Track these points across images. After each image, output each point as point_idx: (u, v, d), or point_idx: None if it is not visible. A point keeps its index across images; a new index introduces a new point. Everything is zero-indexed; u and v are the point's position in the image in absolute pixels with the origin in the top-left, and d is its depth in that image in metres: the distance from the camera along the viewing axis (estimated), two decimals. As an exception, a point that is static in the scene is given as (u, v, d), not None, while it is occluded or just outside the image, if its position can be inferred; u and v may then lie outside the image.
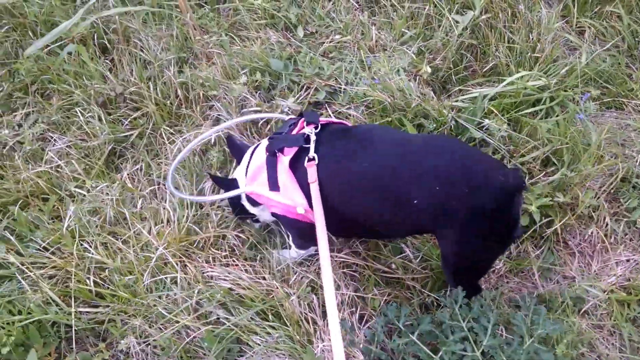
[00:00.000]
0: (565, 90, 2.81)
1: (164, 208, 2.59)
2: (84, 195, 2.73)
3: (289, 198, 2.08)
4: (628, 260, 2.47)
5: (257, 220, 2.50)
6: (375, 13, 3.45)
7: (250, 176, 2.22)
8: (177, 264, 2.39)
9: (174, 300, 2.32)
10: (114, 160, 2.97)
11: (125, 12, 3.16)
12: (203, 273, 2.36)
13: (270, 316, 2.23)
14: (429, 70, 2.99)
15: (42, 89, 3.26)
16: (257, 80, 3.03)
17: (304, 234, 2.19)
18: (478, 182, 1.88)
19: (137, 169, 2.89)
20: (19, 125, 3.16)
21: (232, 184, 2.32)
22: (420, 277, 2.41)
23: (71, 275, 2.39)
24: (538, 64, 2.97)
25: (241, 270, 2.36)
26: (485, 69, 3.05)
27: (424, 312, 2.32)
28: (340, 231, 2.28)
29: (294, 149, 2.07)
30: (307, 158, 2.02)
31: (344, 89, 2.98)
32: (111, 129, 2.99)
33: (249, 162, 2.26)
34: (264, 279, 2.34)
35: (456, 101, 2.88)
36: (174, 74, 3.10)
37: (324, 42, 3.27)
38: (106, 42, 3.33)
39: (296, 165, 2.06)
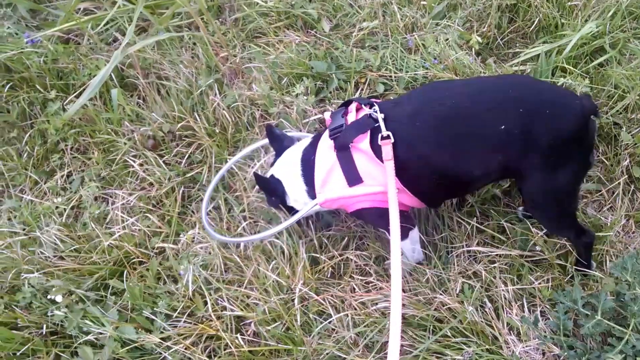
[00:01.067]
0: (623, 32, 2.88)
1: (272, 244, 2.44)
2: (175, 250, 2.53)
3: (378, 183, 2.02)
4: None
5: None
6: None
7: (320, 183, 2.12)
8: (325, 300, 2.27)
9: (339, 338, 2.20)
10: (184, 204, 2.76)
11: (150, 43, 2.89)
12: (355, 300, 2.26)
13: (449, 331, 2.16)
14: (479, 39, 2.97)
15: (76, 144, 2.97)
16: (307, 87, 2.90)
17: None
18: (558, 106, 1.91)
19: (214, 206, 2.70)
20: (63, 189, 2.87)
21: (278, 186, 2.25)
22: (562, 253, 2.41)
23: (214, 338, 2.23)
24: (576, 13, 3.02)
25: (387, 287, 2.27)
26: (532, 28, 3.06)
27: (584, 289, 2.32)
28: (434, 192, 2.16)
29: (367, 134, 2.00)
30: (380, 136, 1.96)
31: (397, 76, 2.91)
32: (175, 171, 2.77)
33: (305, 166, 2.18)
34: (416, 292, 2.27)
35: (516, 64, 2.89)
36: (220, 98, 2.90)
37: (352, 33, 3.17)
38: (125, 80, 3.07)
39: (374, 149, 1.99)
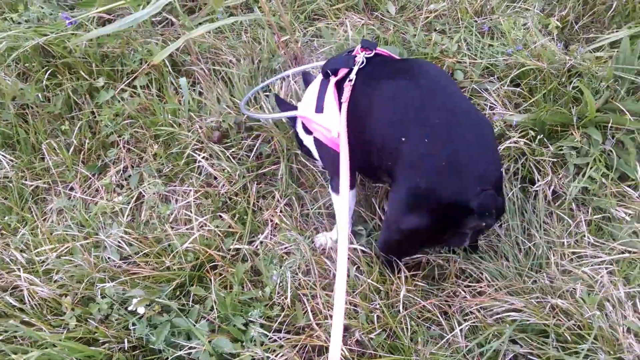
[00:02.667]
0: None
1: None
2: (250, 251, 2.36)
3: (329, 119, 2.05)
4: None
5: (315, 158, 2.38)
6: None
7: (303, 101, 2.22)
8: (432, 305, 2.14)
9: (452, 347, 2.07)
10: (257, 202, 2.57)
11: (216, 27, 2.66)
12: (465, 306, 2.13)
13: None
14: (558, 24, 2.82)
15: (132, 138, 2.74)
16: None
17: (335, 166, 2.02)
18: (459, 174, 1.77)
19: (285, 203, 2.53)
20: (119, 186, 2.65)
21: (291, 108, 2.31)
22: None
23: (317, 350, 2.07)
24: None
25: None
26: (609, 12, 2.92)
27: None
28: (361, 161, 2.09)
29: (345, 70, 2.07)
30: (347, 79, 2.03)
31: (474, 62, 2.75)
32: (245, 166, 2.58)
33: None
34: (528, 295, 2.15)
35: (600, 49, 2.75)
36: (289, 84, 2.70)
37: (419, 15, 2.99)
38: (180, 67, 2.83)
39: (338, 87, 2.07)
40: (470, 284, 2.23)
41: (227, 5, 3.01)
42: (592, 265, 2.23)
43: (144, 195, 2.56)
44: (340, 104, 2.05)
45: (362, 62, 2.08)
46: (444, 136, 1.80)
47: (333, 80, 2.09)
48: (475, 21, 2.92)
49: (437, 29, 2.94)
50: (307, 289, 2.21)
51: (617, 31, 2.79)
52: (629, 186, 2.45)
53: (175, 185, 2.59)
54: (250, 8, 3.12)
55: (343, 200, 1.89)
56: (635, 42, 2.68)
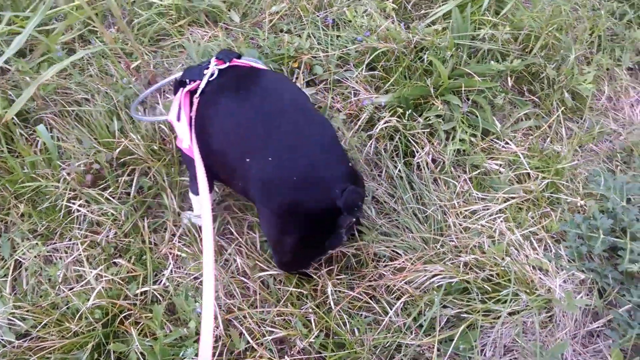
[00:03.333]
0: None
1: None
2: (159, 291, 2.20)
3: (183, 129, 2.06)
4: None
5: None
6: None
7: (172, 106, 2.16)
8: (360, 294, 2.16)
9: (390, 327, 2.12)
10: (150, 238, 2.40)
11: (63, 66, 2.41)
12: (390, 285, 2.18)
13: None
14: (394, 5, 2.99)
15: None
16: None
17: (192, 171, 2.14)
18: (314, 183, 1.79)
19: (180, 234, 2.40)
20: (-14, 263, 2.31)
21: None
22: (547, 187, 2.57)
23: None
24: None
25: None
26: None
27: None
28: (216, 174, 2.10)
29: (197, 82, 2.06)
30: (198, 92, 2.03)
31: (326, 55, 2.83)
32: (127, 204, 2.39)
33: None
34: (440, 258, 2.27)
35: (434, 23, 2.97)
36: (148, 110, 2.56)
37: (262, 20, 3.00)
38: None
39: (189, 98, 2.08)
40: (388, 263, 2.28)
41: (62, 41, 2.76)
42: (486, 218, 2.41)
43: (22, 262, 2.26)
44: (189, 116, 2.03)
45: (212, 75, 2.04)
46: (289, 150, 1.81)
47: (184, 91, 2.07)
48: (318, 16, 2.99)
49: (284, 29, 2.96)
50: (235, 311, 2.11)
51: (445, 4, 3.02)
52: (492, 140, 2.68)
53: (56, 243, 2.32)
54: (86, 40, 2.89)
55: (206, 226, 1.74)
56: (463, 10, 2.94)
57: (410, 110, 2.64)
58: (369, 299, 2.18)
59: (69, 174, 2.39)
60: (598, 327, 2.17)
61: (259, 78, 2.07)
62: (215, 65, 2.07)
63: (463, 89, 2.73)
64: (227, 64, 2.08)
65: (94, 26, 2.85)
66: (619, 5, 3.09)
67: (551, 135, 2.76)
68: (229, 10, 3.00)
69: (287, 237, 1.91)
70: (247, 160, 1.83)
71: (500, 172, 2.57)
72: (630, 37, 2.97)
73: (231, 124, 1.91)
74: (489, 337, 2.15)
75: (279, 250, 2.03)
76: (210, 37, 2.90)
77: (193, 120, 2.00)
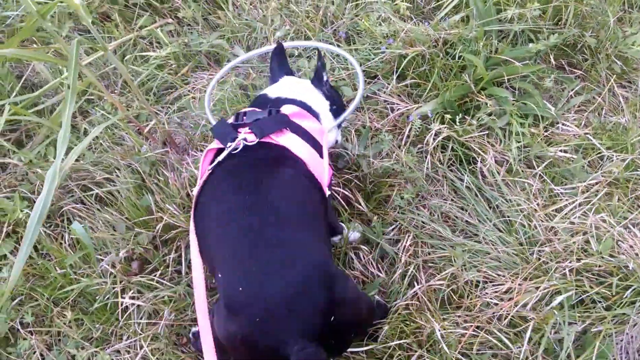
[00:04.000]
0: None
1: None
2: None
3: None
4: None
5: None
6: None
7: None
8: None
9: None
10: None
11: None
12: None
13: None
14: (407, 4, 2.76)
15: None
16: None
17: None
18: (278, 326, 1.51)
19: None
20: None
21: None
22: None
23: None
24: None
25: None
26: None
27: None
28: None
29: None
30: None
31: (349, 72, 2.60)
32: (186, 283, 2.11)
33: None
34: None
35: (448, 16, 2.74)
36: (176, 173, 2.28)
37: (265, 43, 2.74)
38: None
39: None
40: (487, 287, 2.05)
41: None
42: (576, 214, 2.19)
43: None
44: (202, 178, 1.81)
45: (237, 148, 1.78)
46: (261, 281, 1.53)
47: (207, 148, 1.86)
48: (327, 32, 2.75)
49: (295, 53, 2.72)
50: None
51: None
52: (548, 126, 2.47)
53: (116, 344, 2.04)
54: (84, 111, 2.61)
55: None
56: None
57: (460, 115, 2.42)
58: (484, 334, 1.95)
59: (112, 266, 2.10)
60: None
61: (271, 176, 1.77)
62: (244, 137, 1.79)
63: (506, 78, 2.52)
64: (257, 140, 1.80)
65: (90, 95, 2.57)
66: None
67: (606, 107, 2.56)
68: (232, 47, 2.74)
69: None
70: (219, 275, 1.60)
71: (571, 160, 2.36)
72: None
73: (216, 226, 1.70)
74: (618, 345, 1.94)
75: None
76: (224, 79, 2.63)
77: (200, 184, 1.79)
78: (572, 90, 2.57)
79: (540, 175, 2.34)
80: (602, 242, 2.06)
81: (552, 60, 2.60)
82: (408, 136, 2.45)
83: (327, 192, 1.88)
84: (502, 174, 2.33)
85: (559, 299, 1.94)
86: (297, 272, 1.54)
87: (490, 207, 2.28)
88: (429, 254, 2.22)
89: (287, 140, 1.84)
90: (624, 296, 1.94)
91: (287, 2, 2.84)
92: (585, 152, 2.40)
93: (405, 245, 2.24)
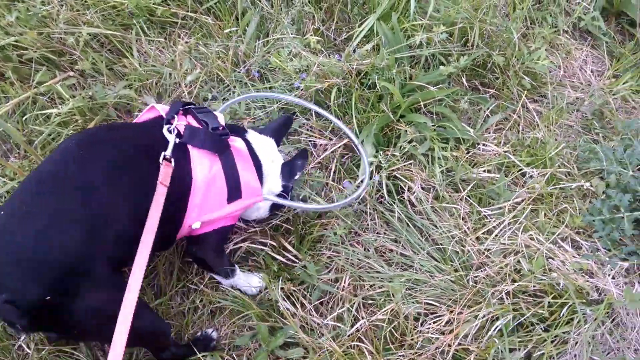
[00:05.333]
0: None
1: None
2: None
3: None
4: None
5: None
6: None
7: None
8: None
9: None
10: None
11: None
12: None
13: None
14: (316, 38, 2.72)
15: None
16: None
17: None
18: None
19: None
20: None
21: None
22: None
23: None
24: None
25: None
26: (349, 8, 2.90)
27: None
28: None
29: None
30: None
31: (266, 111, 2.53)
32: None
33: None
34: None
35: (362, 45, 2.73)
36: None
37: (182, 93, 2.63)
38: None
39: None
40: (428, 321, 2.02)
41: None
42: (505, 235, 2.20)
43: None
44: None
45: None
46: (15, 226, 1.49)
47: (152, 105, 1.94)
48: (239, 72, 2.67)
49: (208, 97, 2.61)
50: None
51: (365, 19, 2.78)
52: (469, 148, 2.49)
53: None
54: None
55: None
56: (387, 21, 2.72)
57: (384, 145, 2.40)
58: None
59: None
60: (665, 312, 2.02)
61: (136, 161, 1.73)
62: (175, 127, 1.81)
63: (422, 104, 2.52)
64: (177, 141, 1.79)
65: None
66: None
67: (522, 123, 2.61)
68: (141, 96, 2.61)
69: None
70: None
71: (495, 180, 2.37)
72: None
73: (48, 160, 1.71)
74: (563, 364, 1.94)
75: None
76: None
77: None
78: (487, 109, 2.60)
79: (467, 198, 2.34)
80: (533, 261, 2.07)
81: (465, 81, 2.63)
82: (334, 172, 2.40)
83: (195, 225, 1.83)
84: (430, 201, 2.32)
85: (497, 325, 1.93)
86: (46, 242, 1.46)
87: (423, 236, 2.26)
88: (369, 289, 2.17)
89: (198, 159, 1.79)
90: (561, 314, 1.95)
91: (196, 44, 2.74)
92: (507, 170, 2.42)
93: (343, 285, 2.18)
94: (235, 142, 1.91)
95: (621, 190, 2.21)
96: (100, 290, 1.55)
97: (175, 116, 1.83)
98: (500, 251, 2.17)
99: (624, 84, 2.69)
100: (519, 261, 2.10)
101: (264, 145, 2.11)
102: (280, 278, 2.14)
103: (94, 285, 1.52)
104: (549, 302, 1.97)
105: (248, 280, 2.16)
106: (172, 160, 1.72)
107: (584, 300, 1.98)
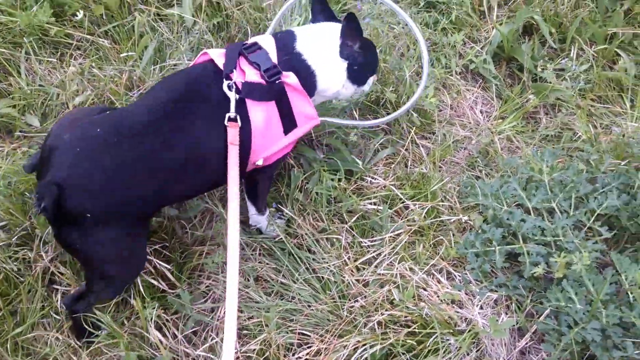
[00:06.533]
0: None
1: None
2: None
3: None
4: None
5: None
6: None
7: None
8: None
9: None
10: None
11: None
12: None
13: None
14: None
15: None
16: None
17: None
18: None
19: None
20: None
21: None
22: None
23: None
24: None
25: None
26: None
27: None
28: None
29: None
30: None
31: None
32: None
33: None
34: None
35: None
36: None
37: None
38: None
39: None
40: (300, 352, 2.00)
41: None
42: (383, 265, 2.23)
43: None
44: None
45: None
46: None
47: (206, 50, 2.11)
48: (132, 97, 2.64)
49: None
50: None
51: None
52: (359, 179, 2.53)
53: None
54: None
55: None
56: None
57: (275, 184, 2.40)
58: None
59: None
60: (527, 343, 2.08)
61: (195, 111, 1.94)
62: (233, 83, 1.96)
63: (314, 135, 2.56)
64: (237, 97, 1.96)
65: None
66: (429, 15, 3.13)
67: (411, 158, 2.67)
68: (23, 115, 2.53)
69: None
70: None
71: (378, 212, 2.41)
72: (449, 42, 3.01)
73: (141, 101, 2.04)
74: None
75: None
76: (7, 152, 2.41)
77: None
78: (378, 143, 2.65)
79: (351, 228, 2.37)
80: (405, 291, 2.10)
81: (357, 115, 2.68)
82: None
83: (259, 162, 2.03)
84: (311, 230, 2.33)
85: (364, 355, 1.93)
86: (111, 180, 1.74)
87: (304, 265, 2.26)
88: (245, 320, 2.14)
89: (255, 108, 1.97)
90: (427, 344, 1.97)
91: (90, 66, 2.69)
92: (392, 203, 2.46)
93: (219, 315, 2.14)
94: (288, 78, 2.01)
95: (495, 225, 2.28)
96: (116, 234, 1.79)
97: (234, 70, 1.95)
98: (378, 281, 2.19)
99: (509, 124, 2.81)
100: (390, 291, 2.12)
101: (317, 44, 2.14)
102: (155, 306, 2.07)
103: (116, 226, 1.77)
104: (417, 332, 2.00)
105: (272, 221, 2.33)
106: (238, 118, 1.90)
107: (451, 331, 2.01)
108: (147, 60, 2.73)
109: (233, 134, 1.87)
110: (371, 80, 2.38)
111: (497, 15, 3.15)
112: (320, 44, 2.16)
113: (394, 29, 2.96)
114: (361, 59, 2.20)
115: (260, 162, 2.04)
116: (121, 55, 2.76)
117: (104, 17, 2.81)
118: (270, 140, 2.03)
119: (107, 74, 2.68)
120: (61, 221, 1.71)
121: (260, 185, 2.24)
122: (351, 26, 2.09)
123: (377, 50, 2.40)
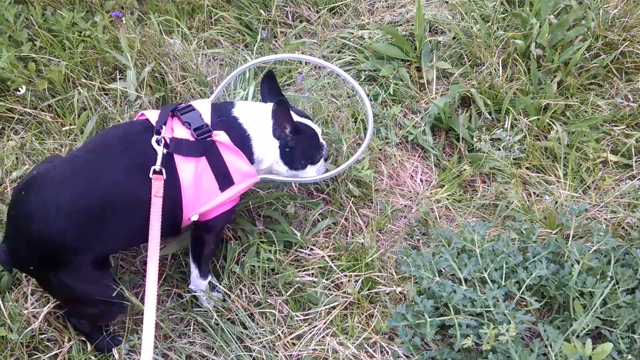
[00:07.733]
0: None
1: None
2: None
3: None
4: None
5: None
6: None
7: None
8: None
9: None
10: None
11: None
12: None
13: None
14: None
15: None
16: None
17: None
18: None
19: None
20: None
21: None
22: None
23: None
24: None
25: None
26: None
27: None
28: None
29: None
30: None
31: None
32: None
33: None
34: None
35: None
36: None
37: (6, 190, 2.57)
38: None
39: None
40: None
41: None
42: (315, 340, 2.23)
43: None
44: None
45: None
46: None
47: (143, 112, 2.21)
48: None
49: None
50: None
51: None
52: (297, 250, 2.55)
53: None
54: None
55: None
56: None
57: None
58: None
59: None
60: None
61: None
62: (163, 138, 2.04)
63: (251, 207, 2.59)
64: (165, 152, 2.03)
65: None
66: (369, 87, 3.24)
67: (350, 227, 2.71)
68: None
69: None
70: None
71: (314, 284, 2.42)
72: (389, 114, 3.10)
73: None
74: None
75: None
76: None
77: None
78: (317, 213, 2.69)
79: (285, 302, 2.37)
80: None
81: (296, 187, 2.72)
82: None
83: (194, 218, 2.11)
84: (244, 305, 2.33)
85: None
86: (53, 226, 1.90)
87: (235, 343, 2.24)
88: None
89: (183, 164, 2.03)
90: None
91: (30, 140, 2.71)
92: (330, 275, 2.48)
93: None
94: (219, 137, 2.07)
95: (428, 296, 2.30)
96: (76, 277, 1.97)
97: (163, 126, 2.02)
98: (309, 356, 2.18)
99: (447, 193, 2.87)
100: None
101: (254, 115, 2.23)
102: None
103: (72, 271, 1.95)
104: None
105: (207, 294, 2.33)
106: (163, 171, 1.96)
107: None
108: (88, 134, 2.76)
109: (157, 186, 1.93)
110: (314, 169, 2.44)
111: (436, 87, 3.26)
112: (258, 114, 2.24)
113: (336, 102, 3.05)
114: (293, 143, 2.28)
115: (195, 218, 2.11)
116: (63, 128, 2.79)
117: (46, 92, 2.84)
118: (203, 195, 2.09)
119: (47, 147, 2.70)
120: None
121: (206, 246, 2.26)
122: (279, 110, 2.17)
123: (317, 140, 2.44)
